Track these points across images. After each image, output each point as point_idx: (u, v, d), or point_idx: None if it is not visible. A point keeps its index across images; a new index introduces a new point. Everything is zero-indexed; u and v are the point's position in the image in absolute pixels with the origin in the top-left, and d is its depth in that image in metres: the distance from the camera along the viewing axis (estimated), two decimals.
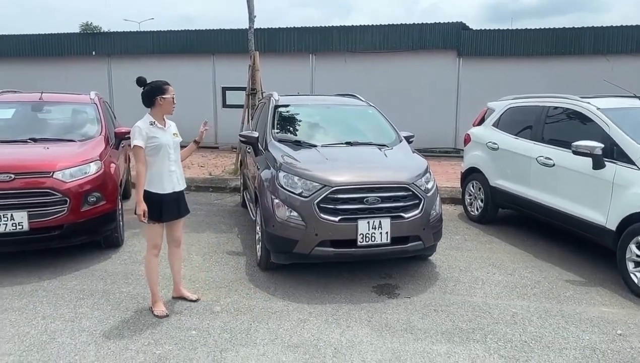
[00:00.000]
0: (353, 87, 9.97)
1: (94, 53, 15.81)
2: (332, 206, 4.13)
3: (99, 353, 3.16)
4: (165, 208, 3.63)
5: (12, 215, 4.32)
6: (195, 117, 15.25)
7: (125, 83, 15.77)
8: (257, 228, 4.92)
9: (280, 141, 5.14)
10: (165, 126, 3.72)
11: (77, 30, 16.99)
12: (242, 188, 7.57)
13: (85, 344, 3.27)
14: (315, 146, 4.95)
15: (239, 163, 9.23)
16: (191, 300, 3.97)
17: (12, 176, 4.39)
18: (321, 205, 4.13)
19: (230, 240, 5.76)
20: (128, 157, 8.31)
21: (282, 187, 4.35)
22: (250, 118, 9.03)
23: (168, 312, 3.74)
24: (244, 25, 13.84)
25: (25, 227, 4.37)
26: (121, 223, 5.50)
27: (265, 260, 4.55)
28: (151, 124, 3.62)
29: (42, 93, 6.18)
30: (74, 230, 4.66)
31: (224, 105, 15.39)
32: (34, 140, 5.25)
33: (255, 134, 5.52)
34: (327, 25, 14.25)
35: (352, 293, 4.16)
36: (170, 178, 3.67)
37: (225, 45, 14.99)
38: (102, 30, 16.75)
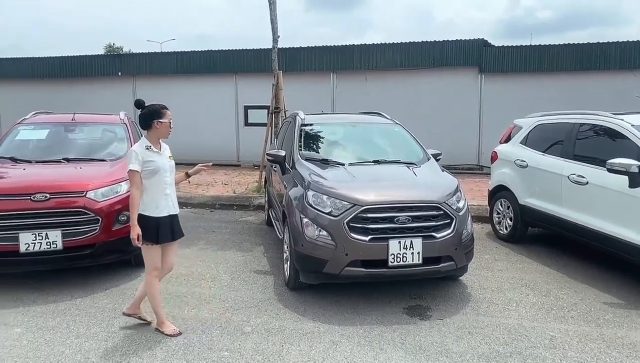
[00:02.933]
0: (374, 105, 9.99)
1: (119, 73, 16.21)
2: (362, 225, 4.10)
3: None
4: (161, 230, 3.63)
5: (47, 234, 4.40)
6: (218, 136, 15.54)
7: (150, 102, 16.10)
8: (285, 247, 4.91)
9: (307, 160, 5.15)
10: (160, 150, 3.73)
11: (101, 50, 17.51)
12: (266, 206, 7.59)
13: None
14: (342, 164, 4.95)
15: (262, 181, 9.29)
16: (145, 321, 3.90)
17: (47, 196, 4.49)
18: (351, 224, 4.10)
19: (256, 258, 5.75)
20: None
21: (310, 206, 4.34)
22: (274, 136, 9.09)
23: (180, 330, 3.74)
24: (263, 44, 14.01)
25: (59, 245, 4.44)
26: None
27: (294, 279, 4.53)
28: (147, 148, 3.62)
29: (74, 114, 6.35)
30: (105, 249, 4.72)
31: (246, 123, 15.57)
32: (67, 160, 5.37)
33: (282, 153, 5.55)
34: (347, 44, 14.36)
35: (383, 315, 4.09)
36: (166, 201, 3.67)
37: (247, 65, 15.22)
38: (124, 51, 17.20)
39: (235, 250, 6.09)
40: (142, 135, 7.58)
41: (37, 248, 4.38)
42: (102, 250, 4.68)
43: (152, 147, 3.65)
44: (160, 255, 3.73)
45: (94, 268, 5.08)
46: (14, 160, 5.32)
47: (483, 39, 13.36)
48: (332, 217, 4.16)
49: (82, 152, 5.68)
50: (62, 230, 4.45)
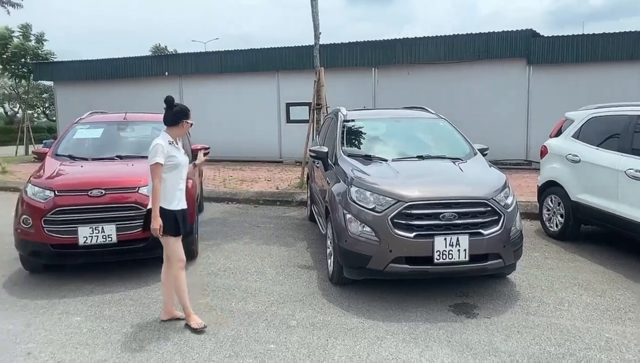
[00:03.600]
0: (416, 100, 9.86)
1: (166, 73, 16.76)
2: (406, 222, 4.06)
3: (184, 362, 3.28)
4: (179, 223, 3.74)
5: (102, 227, 4.63)
6: (260, 133, 15.80)
7: (195, 101, 16.57)
8: (328, 242, 4.94)
9: (350, 156, 5.15)
10: (179, 147, 3.87)
11: (147, 51, 18.11)
12: (309, 202, 7.65)
13: (171, 353, 3.41)
14: (386, 160, 4.92)
15: (305, 177, 9.37)
16: (182, 318, 3.92)
17: (103, 192, 4.71)
18: (395, 220, 4.07)
19: (300, 253, 5.82)
20: (201, 172, 8.69)
21: (354, 201, 4.34)
22: (315, 133, 9.15)
23: (205, 324, 3.79)
24: (304, 41, 14.01)
25: (114, 239, 4.66)
26: (196, 236, 5.72)
27: (338, 275, 4.55)
28: (170, 143, 3.74)
29: (125, 113, 6.63)
30: (157, 243, 4.87)
31: (288, 120, 15.74)
32: (120, 157, 5.62)
33: (325, 149, 5.58)
34: (389, 39, 14.21)
35: (428, 312, 4.05)
36: (180, 195, 3.80)
37: (289, 62, 15.36)
38: (170, 51, 17.72)
39: (279, 245, 6.18)
40: (189, 133, 7.82)
41: (94, 241, 4.62)
42: (154, 243, 4.82)
43: (174, 142, 3.79)
44: (181, 247, 3.84)
45: (146, 261, 5.28)
46: (72, 157, 5.61)
47: (531, 29, 12.88)
48: (375, 213, 4.15)
49: (133, 149, 5.92)
50: (117, 224, 4.66)
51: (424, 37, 13.95)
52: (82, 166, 5.35)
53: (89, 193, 4.67)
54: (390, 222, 4.06)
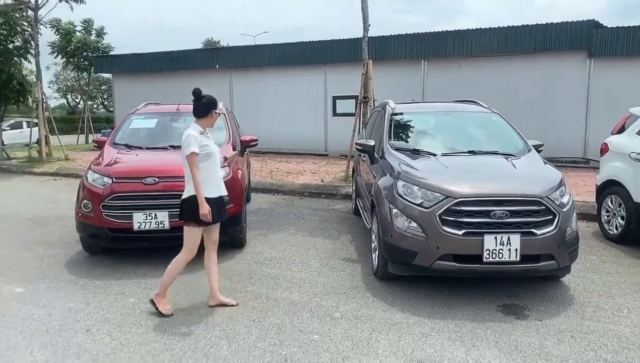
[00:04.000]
0: (467, 93, 9.57)
1: (217, 66, 17.15)
2: (455, 218, 3.97)
3: (230, 348, 3.37)
4: (212, 211, 3.77)
5: (155, 214, 4.82)
6: (307, 126, 15.90)
7: (243, 93, 16.90)
8: (373, 237, 4.91)
9: (397, 149, 5.08)
10: (210, 136, 3.96)
11: (199, 45, 18.58)
12: (354, 196, 7.64)
13: (218, 338, 3.51)
14: (434, 155, 4.82)
15: (350, 170, 9.35)
16: (232, 305, 4.02)
17: (157, 179, 4.90)
18: (443, 217, 3.98)
19: (344, 246, 5.82)
20: (249, 163, 8.85)
21: (400, 196, 4.29)
22: (362, 126, 9.10)
23: (172, 312, 3.87)
24: (350, 33, 13.96)
25: (166, 225, 4.84)
26: (244, 225, 5.84)
27: (382, 269, 4.52)
28: (201, 133, 3.84)
29: (178, 105, 6.84)
30: None
31: (334, 113, 15.74)
32: (173, 147, 5.80)
33: (372, 142, 5.53)
34: (440, 30, 13.87)
35: (475, 311, 3.95)
36: (217, 182, 3.90)
37: (336, 55, 15.33)
38: (220, 45, 18.09)
39: (323, 237, 6.22)
40: (238, 125, 7.99)
41: (147, 227, 4.82)
42: None
43: (205, 133, 3.90)
44: (200, 240, 3.92)
45: None
46: (128, 146, 5.87)
47: (593, 19, 12.20)
48: (423, 209, 4.08)
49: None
50: (169, 211, 4.83)
51: (477, 28, 13.52)
52: (137, 155, 5.58)
53: (143, 180, 4.87)
54: (438, 219, 3.99)
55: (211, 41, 38.62)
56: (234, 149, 6.05)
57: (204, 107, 3.91)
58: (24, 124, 22.90)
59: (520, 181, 4.25)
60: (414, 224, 4.10)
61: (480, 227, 3.92)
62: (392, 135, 5.39)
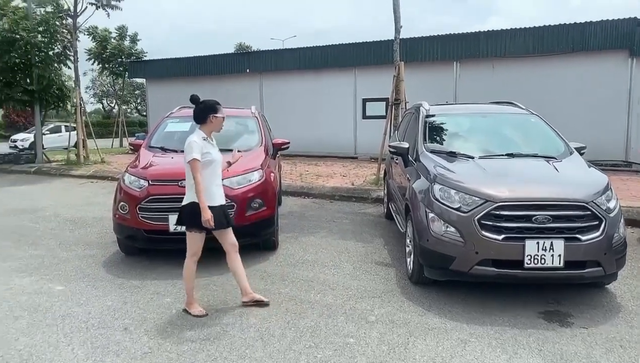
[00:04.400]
0: (501, 95, 9.36)
1: (248, 70, 17.34)
2: (495, 223, 3.85)
3: (265, 350, 3.36)
4: (215, 218, 3.72)
5: None
6: (336, 129, 15.88)
7: (273, 96, 17.03)
8: (408, 241, 4.83)
9: (432, 152, 4.99)
10: (214, 143, 3.90)
11: (231, 49, 18.82)
12: (385, 199, 7.55)
13: (253, 340, 3.51)
14: (472, 157, 4.70)
15: (382, 173, 9.27)
16: (264, 302, 4.05)
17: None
18: (482, 221, 3.87)
19: (377, 250, 5.75)
20: (280, 166, 8.88)
21: (437, 200, 4.20)
22: (393, 129, 9.00)
23: (206, 312, 3.90)
24: (378, 36, 13.88)
25: None
26: (277, 228, 5.85)
27: (418, 274, 4.43)
28: (204, 139, 3.79)
29: None
30: (239, 232, 4.99)
31: (364, 116, 15.67)
32: None
33: (405, 145, 5.45)
34: (472, 31, 13.64)
35: (515, 317, 3.82)
36: (218, 191, 3.84)
37: (366, 58, 15.27)
38: (252, 49, 18.28)
39: (355, 241, 6.16)
40: (269, 128, 8.03)
41: (181, 229, 4.84)
42: (236, 233, 4.97)
43: (208, 139, 3.85)
44: (202, 243, 3.91)
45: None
46: (164, 149, 5.96)
47: (636, 17, 11.73)
48: (461, 213, 3.98)
49: (219, 142, 6.07)
50: None
51: (511, 28, 13.22)
52: (172, 158, 5.66)
53: (179, 183, 4.92)
54: (477, 223, 3.88)
55: (243, 46, 39.26)
56: (266, 152, 6.08)
57: (201, 113, 3.87)
58: (63, 128, 23.76)
59: (563, 185, 4.09)
60: (451, 229, 4.01)
61: (521, 232, 3.79)
62: (426, 138, 5.30)
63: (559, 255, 3.71)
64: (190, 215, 3.77)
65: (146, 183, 5.04)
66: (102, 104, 50.44)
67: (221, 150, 5.69)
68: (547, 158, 4.63)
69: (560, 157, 4.70)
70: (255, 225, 5.16)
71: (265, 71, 17.18)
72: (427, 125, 5.49)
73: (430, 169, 4.56)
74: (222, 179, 4.97)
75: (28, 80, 14.19)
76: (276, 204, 5.67)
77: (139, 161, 5.68)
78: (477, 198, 3.94)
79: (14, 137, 24.02)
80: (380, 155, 9.98)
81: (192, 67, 18.63)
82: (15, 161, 15.14)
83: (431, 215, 4.18)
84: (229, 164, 4.33)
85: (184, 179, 4.93)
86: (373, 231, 6.71)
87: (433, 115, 5.63)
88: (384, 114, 13.82)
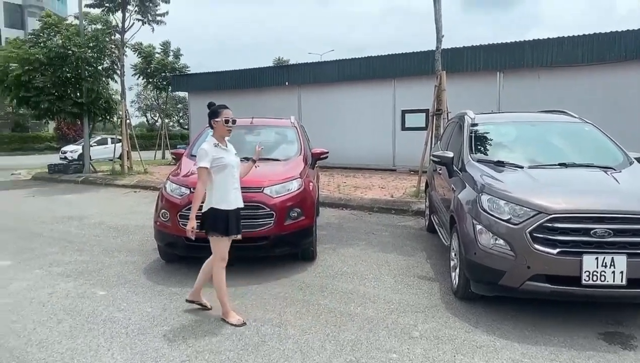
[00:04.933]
0: (547, 105, 8.94)
1: (287, 83, 17.51)
2: (548, 236, 3.61)
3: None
4: (230, 223, 3.78)
5: None
6: (374, 140, 15.74)
7: (311, 108, 17.11)
8: (452, 254, 4.63)
9: (479, 161, 4.78)
10: (227, 147, 3.90)
11: (270, 63, 19.09)
12: (427, 212, 7.33)
13: (292, 351, 3.40)
14: (521, 167, 4.47)
15: (423, 185, 9.04)
16: (205, 306, 4.11)
17: None
18: (535, 234, 3.64)
19: (419, 264, 5.55)
20: (318, 177, 8.81)
21: (485, 211, 3.99)
22: (434, 139, 8.79)
23: (244, 320, 3.85)
24: (416, 47, 13.71)
25: (240, 235, 4.82)
26: (315, 238, 5.75)
27: (464, 289, 4.22)
28: (215, 146, 3.81)
29: (252, 118, 6.95)
30: (278, 242, 5.02)
31: (403, 127, 15.47)
32: (246, 159, 5.85)
33: (450, 154, 5.27)
34: (517, 40, 13.25)
35: (572, 338, 3.55)
36: (235, 195, 3.84)
37: (405, 69, 15.12)
38: (289, 63, 18.47)
39: (396, 254, 5.98)
40: (308, 138, 7.99)
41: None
42: (275, 242, 4.99)
43: (220, 144, 3.84)
44: (228, 247, 3.89)
45: (267, 258, 5.45)
46: None
47: None
48: (511, 225, 3.76)
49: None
50: (243, 221, 4.80)
51: (559, 37, 12.77)
52: None
53: None
54: (528, 236, 3.65)
55: (281, 60, 39.95)
56: (305, 162, 6.02)
57: (208, 119, 3.93)
58: (109, 141, 24.70)
59: (624, 196, 3.80)
60: (500, 241, 3.79)
61: (578, 246, 3.53)
62: (472, 147, 5.10)
63: (621, 272, 3.42)
64: (211, 220, 3.77)
65: (187, 191, 5.07)
66: (146, 117, 52.24)
67: (266, 159, 5.79)
68: (605, 168, 4.34)
69: (619, 167, 4.39)
70: (293, 234, 5.09)
71: (304, 84, 17.30)
72: (473, 134, 5.29)
73: (477, 179, 4.36)
74: (264, 187, 4.99)
75: (78, 94, 14.83)
76: (315, 214, 5.59)
77: (180, 169, 5.74)
78: (528, 210, 3.72)
79: (64, 148, 25.13)
80: (421, 167, 9.76)
81: (233, 81, 19.00)
82: (65, 171, 15.79)
83: (479, 227, 3.98)
84: (254, 161, 4.37)
85: None
86: (414, 244, 6.50)
87: (478, 124, 5.43)
88: (424, 125, 13.62)
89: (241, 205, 3.95)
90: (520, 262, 3.65)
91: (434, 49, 9.57)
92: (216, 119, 3.89)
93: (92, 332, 3.74)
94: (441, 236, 5.66)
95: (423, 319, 3.93)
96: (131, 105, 48.27)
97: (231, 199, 3.83)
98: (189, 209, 4.91)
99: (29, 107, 14.63)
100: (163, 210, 5.19)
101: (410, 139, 14.54)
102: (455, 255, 4.52)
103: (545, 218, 3.62)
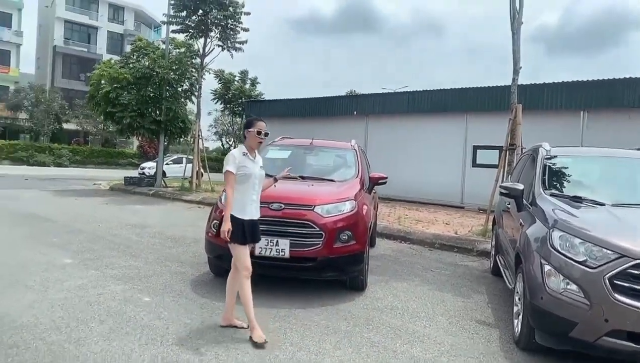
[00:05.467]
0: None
1: (355, 113, 17.52)
2: (633, 285, 3.09)
3: None
4: (247, 232, 3.78)
5: (277, 241, 4.70)
6: (442, 175, 15.17)
7: (378, 139, 16.91)
8: (516, 298, 4.14)
9: (552, 195, 4.30)
10: (254, 158, 3.91)
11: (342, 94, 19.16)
12: (493, 252, 6.76)
13: None
14: (602, 204, 3.95)
15: (490, 222, 8.44)
16: (242, 327, 3.94)
17: (282, 206, 4.82)
18: (616, 281, 3.13)
19: (479, 307, 5.05)
20: (377, 205, 8.51)
21: (556, 250, 3.51)
22: (506, 176, 8.21)
23: (266, 338, 3.69)
24: (491, 82, 13.14)
25: (287, 254, 4.68)
26: (367, 267, 5.45)
27: (527, 338, 3.71)
28: (244, 154, 3.85)
29: (312, 139, 6.89)
30: (325, 265, 4.78)
31: (474, 164, 14.78)
32: (302, 177, 5.76)
33: (520, 186, 4.79)
34: (606, 78, 12.31)
35: None
36: (251, 206, 3.84)
37: (480, 103, 14.56)
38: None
39: (453, 294, 5.50)
40: (369, 164, 7.78)
41: (268, 253, 4.70)
42: (322, 265, 4.76)
43: (248, 154, 3.87)
44: (248, 255, 3.86)
45: (313, 282, 5.23)
46: None
47: None
48: (587, 268, 3.27)
49: (316, 171, 6.07)
50: (290, 239, 4.68)
51: None
52: None
53: (270, 205, 4.82)
54: (608, 283, 3.15)
55: (353, 92, 40.58)
56: (362, 185, 5.80)
57: (242, 129, 3.99)
58: (184, 160, 26.00)
59: None
60: (573, 286, 3.30)
61: None
62: (546, 180, 4.62)
63: None
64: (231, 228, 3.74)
65: None
66: (221, 141, 54.67)
67: (322, 179, 5.65)
68: None
69: None
70: (342, 259, 4.83)
71: (373, 113, 17.21)
72: (547, 167, 4.81)
73: (549, 213, 3.90)
74: (315, 206, 4.82)
75: (157, 112, 15.77)
76: (367, 241, 5.30)
77: None
78: (609, 252, 3.22)
79: (143, 165, 26.77)
80: (490, 205, 9.15)
81: (304, 108, 19.37)
82: (139, 184, 16.71)
83: (547, 267, 3.50)
84: (275, 180, 4.41)
85: (276, 202, 4.87)
86: (475, 286, 5.97)
87: (555, 156, 4.94)
88: (496, 163, 12.89)
89: (257, 217, 3.96)
90: (596, 313, 3.15)
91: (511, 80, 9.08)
92: (249, 130, 3.94)
93: (129, 337, 3.69)
94: (505, 278, 5.14)
95: None
96: (209, 130, 50.84)
97: (247, 210, 3.84)
98: None
99: (113, 121, 15.77)
100: (215, 221, 5.16)
101: (481, 175, 13.83)
102: (519, 299, 4.04)
103: (630, 264, 3.11)
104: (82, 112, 37.75)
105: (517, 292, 4.12)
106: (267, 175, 5.73)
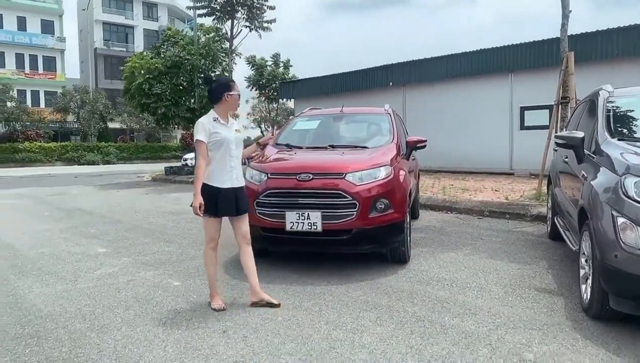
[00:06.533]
0: None
1: (390, 84, 16.81)
2: None
3: None
4: (221, 203, 3.55)
5: (308, 214, 4.34)
6: (488, 142, 14.28)
7: (417, 109, 16.18)
8: (583, 261, 3.60)
9: (620, 140, 3.68)
10: (228, 123, 3.66)
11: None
12: (549, 216, 6.13)
13: (364, 362, 2.75)
14: None
15: (544, 187, 7.74)
16: (272, 305, 3.68)
17: (311, 176, 4.44)
18: None
19: (537, 274, 4.51)
20: (418, 175, 7.99)
21: (631, 198, 2.95)
22: (561, 129, 7.46)
23: (225, 306, 3.65)
24: (535, 36, 12.06)
25: (319, 227, 4.32)
26: (409, 238, 5.01)
27: (599, 305, 3.19)
28: (214, 120, 3.60)
29: (342, 106, 6.46)
30: (361, 237, 4.39)
31: (522, 126, 13.83)
32: (332, 146, 5.36)
33: (579, 134, 4.17)
34: None
35: None
36: (230, 173, 3.61)
37: (525, 61, 13.53)
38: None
39: (508, 262, 4.98)
40: (406, 131, 7.26)
41: (299, 228, 4.36)
42: (358, 237, 4.37)
43: (220, 119, 3.63)
44: (218, 228, 3.73)
45: (349, 256, 4.88)
46: (289, 146, 5.61)
47: None
48: None
49: (346, 140, 5.67)
50: (322, 212, 4.31)
51: None
52: (295, 153, 5.28)
53: (297, 176, 4.47)
54: None
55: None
56: (398, 150, 5.32)
57: (214, 92, 3.67)
58: None
59: None
60: None
61: None
62: (611, 125, 3.98)
63: None
64: (203, 198, 3.51)
65: (265, 177, 4.68)
66: (260, 128, 54.99)
67: (354, 147, 5.23)
68: None
69: None
70: (380, 229, 4.41)
71: (409, 83, 16.44)
72: (611, 110, 4.15)
73: (618, 159, 3.31)
74: (346, 174, 4.41)
75: (192, 100, 15.75)
76: (407, 209, 4.84)
77: (262, 157, 5.41)
78: None
79: (185, 156, 27.10)
80: (542, 168, 8.40)
81: (337, 84, 18.82)
82: (179, 173, 16.88)
83: (621, 220, 2.95)
84: (259, 144, 4.24)
85: (304, 173, 4.50)
86: (532, 252, 5.40)
87: (619, 97, 4.27)
88: (547, 124, 11.95)
89: (238, 184, 3.69)
90: None
91: (558, 36, 8.21)
92: (231, 93, 3.67)
93: (154, 322, 3.47)
94: (567, 241, 4.56)
95: (540, 339, 3.01)
96: (247, 118, 51.16)
97: (225, 177, 3.60)
98: (267, 196, 4.56)
99: (149, 112, 15.90)
100: None
101: (531, 139, 12.89)
102: (586, 261, 3.50)
103: None
104: (125, 110, 38.83)
105: (584, 253, 3.58)
106: (291, 146, 5.47)
